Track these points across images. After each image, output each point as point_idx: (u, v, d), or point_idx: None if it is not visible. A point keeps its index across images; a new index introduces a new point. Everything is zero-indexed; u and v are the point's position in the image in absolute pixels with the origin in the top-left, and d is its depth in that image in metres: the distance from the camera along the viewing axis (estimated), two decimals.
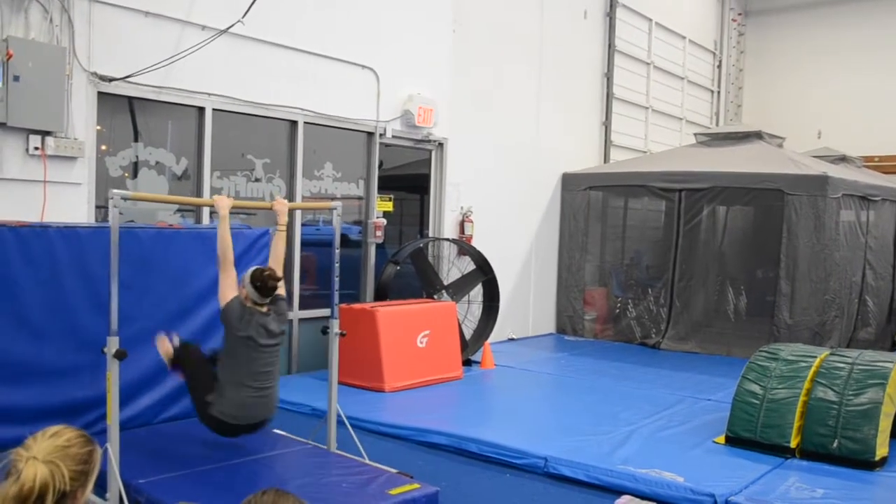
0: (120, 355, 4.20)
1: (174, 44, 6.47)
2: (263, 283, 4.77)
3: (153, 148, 6.64)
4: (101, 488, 4.22)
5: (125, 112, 6.48)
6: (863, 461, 5.22)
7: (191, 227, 6.52)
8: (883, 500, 4.79)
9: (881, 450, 5.29)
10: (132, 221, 6.19)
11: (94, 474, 2.05)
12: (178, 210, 6.91)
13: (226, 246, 4.82)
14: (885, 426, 5.36)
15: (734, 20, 15.73)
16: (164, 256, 5.88)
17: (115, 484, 4.16)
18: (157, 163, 6.68)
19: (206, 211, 6.99)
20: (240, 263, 6.38)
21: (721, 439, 5.77)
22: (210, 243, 6.19)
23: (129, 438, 5.04)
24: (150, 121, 6.66)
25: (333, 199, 7.64)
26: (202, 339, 6.17)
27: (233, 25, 6.75)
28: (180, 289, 6.01)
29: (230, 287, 4.80)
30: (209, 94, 6.83)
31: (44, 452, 1.97)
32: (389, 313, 7.35)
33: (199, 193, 6.89)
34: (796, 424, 5.48)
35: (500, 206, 10.05)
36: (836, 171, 9.84)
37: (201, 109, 6.85)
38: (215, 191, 7.03)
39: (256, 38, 7.09)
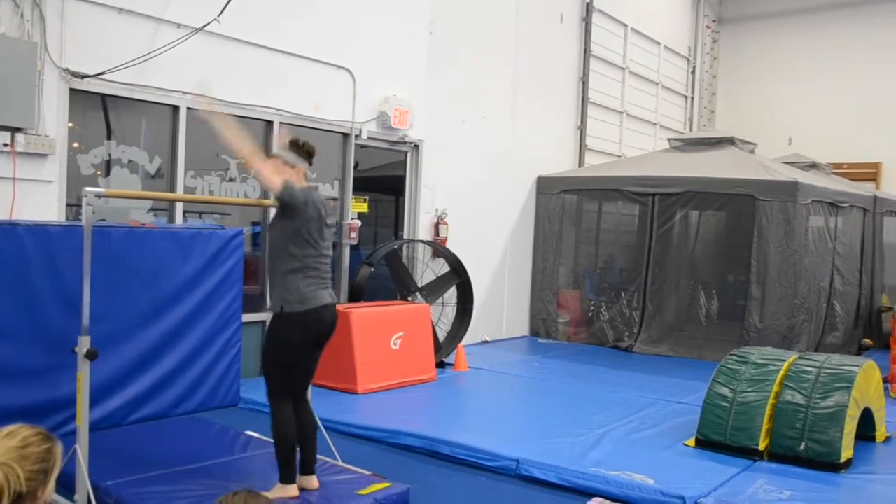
0: (91, 355, 4.16)
1: (148, 41, 6.43)
2: (306, 146, 4.43)
3: (126, 146, 6.58)
4: (69, 490, 4.18)
5: (98, 109, 6.42)
6: (829, 463, 5.30)
7: (164, 226, 6.48)
8: (846, 501, 4.87)
9: (846, 452, 5.38)
10: (104, 220, 6.13)
11: (54, 471, 2.02)
12: (151, 209, 6.85)
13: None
14: (850, 429, 5.44)
15: (708, 27, 15.89)
16: (137, 256, 5.84)
17: (84, 486, 4.12)
18: (130, 161, 6.62)
19: (179, 210, 6.95)
20: (213, 264, 6.39)
21: (691, 442, 5.83)
22: (182, 242, 6.17)
23: (99, 440, 4.99)
24: (123, 119, 6.60)
25: None
26: (176, 339, 6.15)
27: (208, 24, 6.72)
28: (153, 288, 5.97)
29: (277, 171, 4.24)
30: (184, 93, 6.78)
31: None
32: (363, 315, 7.35)
33: (172, 191, 6.85)
34: (765, 427, 5.56)
35: (475, 209, 10.07)
36: (806, 178, 9.98)
37: (175, 108, 6.81)
38: (189, 190, 6.99)
39: (232, 38, 7.06)
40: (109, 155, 6.48)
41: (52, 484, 2.02)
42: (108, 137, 6.49)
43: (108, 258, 5.50)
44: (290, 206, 4.18)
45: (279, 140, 4.59)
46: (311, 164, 4.48)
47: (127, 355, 5.83)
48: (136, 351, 5.89)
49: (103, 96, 6.34)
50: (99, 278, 5.02)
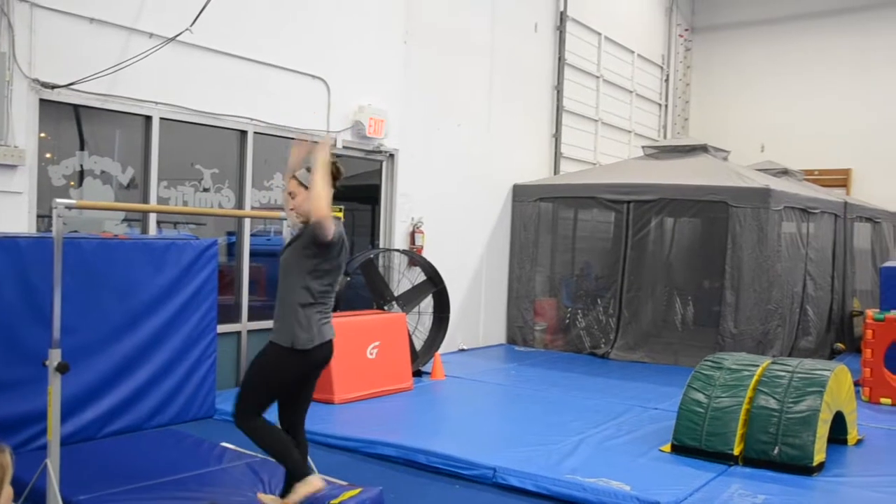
0: (62, 368, 4.11)
1: (120, 51, 6.38)
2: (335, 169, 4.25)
3: (98, 157, 6.53)
4: None
5: (70, 120, 6.36)
6: (802, 467, 5.35)
7: (137, 237, 6.42)
8: None
9: (819, 455, 5.44)
10: (76, 231, 6.07)
11: (6, 479, 2.00)
12: (125, 220, 6.80)
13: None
14: (822, 432, 5.50)
15: (681, 36, 16.05)
16: (109, 267, 5.79)
17: (55, 501, 4.06)
18: (103, 172, 6.57)
19: (152, 221, 6.90)
20: (187, 275, 6.35)
21: (667, 448, 5.86)
22: (156, 253, 6.12)
23: (71, 453, 4.93)
24: (95, 129, 6.55)
25: (283, 209, 7.59)
26: (150, 350, 6.10)
27: (181, 34, 6.69)
28: (126, 300, 5.93)
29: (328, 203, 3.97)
30: (156, 103, 6.74)
31: None
32: (339, 324, 7.22)
33: (145, 203, 6.80)
34: (739, 432, 5.60)
35: (451, 218, 10.08)
36: (778, 184, 10.09)
37: (148, 118, 6.77)
38: (162, 201, 6.94)
39: (205, 47, 7.03)
40: (81, 166, 6.43)
41: (5, 491, 2.00)
42: (81, 148, 6.44)
43: (80, 270, 5.45)
44: (327, 246, 4.06)
45: (295, 154, 4.51)
46: (335, 188, 4.27)
47: (100, 368, 5.77)
48: (109, 363, 5.83)
49: (75, 107, 6.29)
50: (71, 290, 4.99)
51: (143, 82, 6.58)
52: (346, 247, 4.23)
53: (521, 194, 11.23)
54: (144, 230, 6.87)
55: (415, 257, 9.10)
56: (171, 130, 6.96)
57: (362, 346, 7.47)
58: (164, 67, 6.70)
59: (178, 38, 6.69)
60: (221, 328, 7.09)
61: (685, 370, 7.43)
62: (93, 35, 6.23)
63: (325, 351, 4.23)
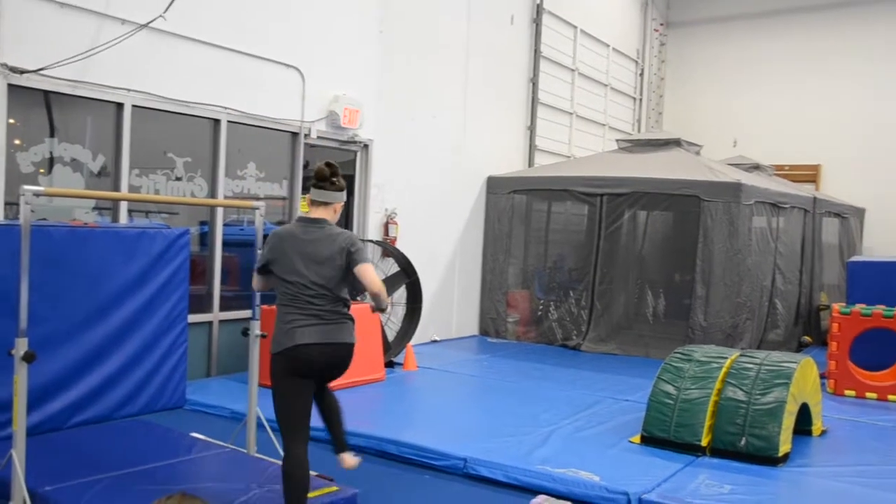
0: (28, 357, 4.07)
1: (92, 37, 6.31)
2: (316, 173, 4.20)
3: (69, 144, 6.45)
4: (4, 497, 4.10)
5: (40, 106, 6.28)
6: (768, 457, 5.44)
7: (107, 225, 6.36)
8: (784, 494, 5.00)
9: (784, 446, 5.53)
10: (45, 219, 6.00)
11: None
12: (95, 208, 6.73)
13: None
14: (788, 424, 5.60)
15: (656, 30, 16.14)
16: (79, 256, 5.73)
17: (20, 492, 4.03)
18: (73, 159, 6.49)
19: (123, 209, 6.83)
20: (158, 264, 6.30)
21: (637, 439, 5.92)
22: (126, 242, 6.07)
23: (39, 444, 4.90)
24: (66, 116, 6.47)
25: (257, 199, 7.56)
26: (120, 340, 6.05)
27: (153, 20, 6.62)
28: (96, 289, 5.88)
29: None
30: (128, 90, 6.67)
31: None
32: None
33: (116, 191, 6.73)
34: (707, 423, 5.67)
35: (425, 209, 10.09)
36: (749, 179, 10.20)
37: (120, 105, 6.69)
38: (134, 189, 6.87)
39: (178, 34, 6.96)
40: (51, 153, 6.35)
41: None
42: (51, 135, 6.36)
43: (49, 258, 5.39)
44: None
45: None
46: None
47: (68, 357, 5.73)
48: (78, 353, 5.79)
49: (45, 92, 6.20)
50: (39, 279, 4.92)
51: (115, 69, 6.51)
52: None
53: (495, 186, 11.26)
54: (115, 219, 6.80)
55: (388, 248, 9.10)
56: (144, 118, 6.89)
57: None
58: (136, 54, 6.63)
59: (150, 25, 6.62)
60: (193, 318, 7.05)
61: (656, 362, 7.49)
62: (63, 20, 6.14)
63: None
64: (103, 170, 6.73)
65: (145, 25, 6.59)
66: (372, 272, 4.11)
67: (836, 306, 8.25)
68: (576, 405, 7.06)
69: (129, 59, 6.58)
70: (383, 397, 7.20)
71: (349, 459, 4.43)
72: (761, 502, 4.73)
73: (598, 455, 5.53)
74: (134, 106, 6.76)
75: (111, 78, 6.51)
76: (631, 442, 5.90)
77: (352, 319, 4.23)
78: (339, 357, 4.16)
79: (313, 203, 4.15)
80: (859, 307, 8.08)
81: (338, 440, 4.43)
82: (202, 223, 7.70)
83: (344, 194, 4.24)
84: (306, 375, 4.07)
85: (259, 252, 4.37)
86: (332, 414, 4.40)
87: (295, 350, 3.99)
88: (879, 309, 7.96)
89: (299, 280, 4.02)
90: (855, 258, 10.23)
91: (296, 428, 4.03)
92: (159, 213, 7.31)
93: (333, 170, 4.17)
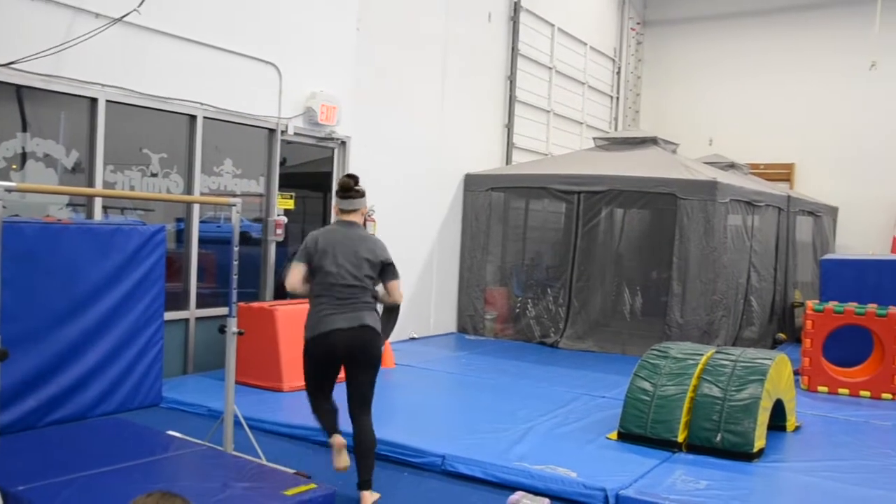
0: (1, 355, 4.01)
1: (65, 31, 6.23)
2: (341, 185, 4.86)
3: (42, 139, 6.37)
4: None
5: (11, 100, 6.19)
6: (743, 453, 5.49)
7: (81, 222, 6.29)
8: (759, 489, 5.04)
9: (759, 442, 5.58)
10: (17, 216, 5.92)
11: None
12: (69, 205, 6.65)
13: None
14: (763, 419, 5.65)
15: (633, 29, 16.22)
16: (52, 252, 5.67)
17: None
18: (47, 155, 6.41)
19: (98, 206, 6.76)
20: (134, 261, 6.25)
21: (614, 435, 5.96)
22: (101, 239, 6.01)
23: (11, 443, 4.83)
24: (39, 110, 6.38)
25: (233, 196, 7.51)
26: (95, 337, 5.99)
27: (128, 14, 6.55)
28: (70, 286, 5.82)
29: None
30: (103, 85, 6.60)
31: None
32: (289, 312, 7.27)
33: (90, 187, 6.66)
34: (683, 420, 5.72)
35: (403, 206, 10.07)
36: (724, 177, 10.28)
37: (94, 100, 6.61)
38: (108, 185, 6.80)
39: (154, 29, 6.90)
40: (24, 148, 6.26)
41: None
42: (24, 130, 6.27)
43: (22, 255, 5.33)
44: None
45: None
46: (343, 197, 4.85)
47: (42, 355, 5.66)
48: (51, 350, 5.73)
49: (17, 87, 6.11)
50: (12, 276, 4.87)
51: (89, 63, 6.44)
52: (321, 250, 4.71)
53: (472, 184, 11.27)
54: (89, 215, 6.73)
55: None
56: (118, 114, 6.82)
57: None
58: (111, 49, 6.56)
59: (125, 20, 6.55)
60: (169, 315, 7.00)
61: (633, 359, 7.54)
62: (35, 13, 6.07)
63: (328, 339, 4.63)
64: (77, 166, 6.65)
65: (119, 20, 6.52)
66: (399, 288, 4.91)
67: (810, 303, 8.34)
68: (553, 402, 7.09)
69: (103, 53, 6.51)
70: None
71: (367, 497, 4.60)
72: (736, 497, 4.77)
73: (576, 451, 5.56)
74: (108, 101, 6.68)
75: (85, 73, 6.44)
76: (608, 438, 5.93)
77: (376, 311, 4.81)
78: (362, 341, 4.65)
79: (343, 211, 4.80)
80: (832, 304, 8.18)
81: (361, 475, 4.63)
82: (178, 220, 7.64)
83: (366, 199, 4.88)
84: (331, 360, 4.68)
85: (297, 250, 4.79)
86: (363, 448, 4.64)
87: (324, 337, 4.58)
88: (852, 306, 8.06)
89: (338, 272, 4.61)
90: (828, 256, 10.35)
91: (317, 399, 4.83)
92: (135, 210, 7.24)
93: (355, 180, 4.80)
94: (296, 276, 4.72)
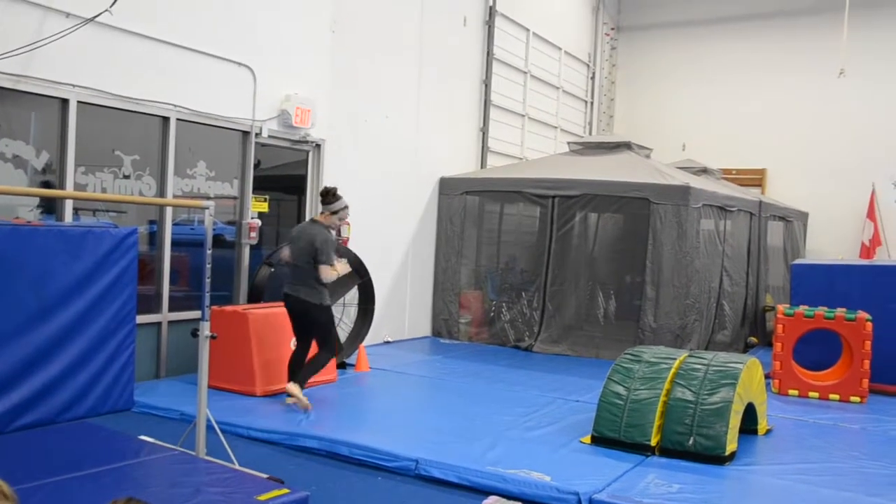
0: None
1: (35, 30, 6.15)
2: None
3: (11, 140, 6.28)
4: None
5: None
6: (715, 456, 5.54)
7: (51, 224, 6.21)
8: (730, 492, 5.09)
9: (731, 445, 5.63)
10: None
11: None
12: (39, 207, 6.57)
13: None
14: (734, 423, 5.70)
15: (607, 34, 16.32)
16: (21, 255, 5.60)
17: None
18: (16, 156, 6.32)
19: (69, 208, 6.68)
20: (105, 263, 6.17)
21: (587, 439, 5.98)
22: (72, 241, 5.93)
23: None
24: (8, 111, 6.30)
25: (207, 198, 7.46)
26: (65, 341, 5.92)
27: (100, 14, 6.49)
28: (39, 289, 5.74)
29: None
30: (74, 86, 6.53)
31: None
32: (262, 316, 7.23)
33: (62, 189, 6.57)
34: (656, 423, 5.75)
35: (377, 210, 10.05)
36: (697, 182, 10.38)
37: (65, 101, 6.54)
38: (80, 187, 6.72)
39: (126, 30, 6.84)
40: None
41: None
42: None
43: None
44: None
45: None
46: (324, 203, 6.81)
47: (10, 359, 5.57)
48: (20, 354, 5.64)
49: None
50: None
51: (60, 64, 6.36)
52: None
53: (447, 187, 11.27)
54: (60, 217, 6.64)
55: (340, 249, 9.03)
56: (90, 115, 6.74)
57: (286, 337, 7.39)
58: (82, 49, 6.49)
59: (97, 20, 6.49)
60: (141, 318, 6.94)
61: (607, 363, 7.57)
62: (4, 12, 5.99)
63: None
64: (48, 167, 6.57)
65: (91, 20, 6.45)
66: (327, 271, 6.55)
67: (781, 308, 8.44)
68: (527, 406, 7.11)
69: (74, 54, 6.44)
70: (335, 398, 7.16)
71: (291, 387, 6.53)
72: (708, 500, 4.81)
73: (549, 455, 5.57)
74: (80, 102, 6.61)
75: (56, 73, 6.36)
76: (581, 442, 5.96)
77: (318, 288, 6.62)
78: (300, 308, 6.69)
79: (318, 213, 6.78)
80: (802, 309, 8.28)
81: (293, 373, 6.73)
82: (151, 222, 7.57)
83: (333, 206, 6.72)
84: (291, 315, 6.83)
85: None
86: (307, 360, 6.79)
87: (285, 298, 6.80)
88: (821, 310, 8.17)
89: (292, 255, 6.76)
90: (799, 261, 10.47)
91: (296, 348, 6.96)
92: (107, 213, 7.16)
93: (327, 190, 6.80)
94: (283, 254, 6.97)
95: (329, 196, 6.71)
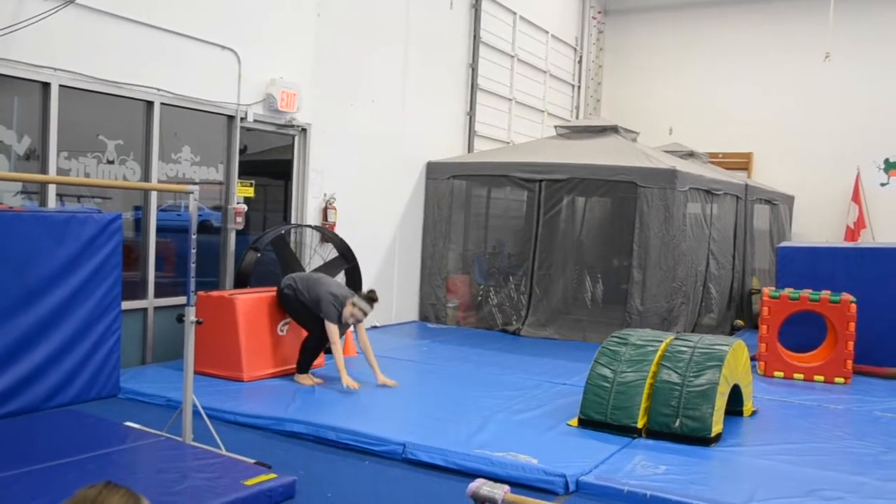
0: None
1: (12, 12, 6.07)
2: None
3: None
4: None
5: None
6: (701, 438, 5.57)
7: (34, 210, 6.16)
8: (716, 473, 5.12)
9: (716, 427, 5.67)
10: None
11: None
12: (22, 192, 6.50)
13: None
14: (720, 405, 5.74)
15: (594, 18, 16.28)
16: (4, 241, 5.54)
17: None
18: None
19: (52, 193, 6.62)
20: (89, 249, 6.13)
21: (574, 422, 6.00)
22: (55, 227, 5.89)
23: None
24: None
25: (192, 183, 7.40)
26: (49, 327, 5.88)
27: None
28: (22, 275, 5.70)
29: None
30: (55, 70, 6.45)
31: None
32: (249, 301, 7.21)
33: (44, 174, 6.51)
34: (643, 406, 5.78)
35: (364, 194, 10.02)
36: (684, 166, 10.39)
37: (46, 85, 6.46)
38: (63, 172, 6.65)
39: (108, 12, 6.76)
40: None
41: None
42: None
43: None
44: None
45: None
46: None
47: None
48: (4, 341, 5.61)
49: None
50: None
51: (41, 47, 6.28)
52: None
53: (434, 172, 11.24)
54: (43, 203, 6.59)
55: (327, 233, 9.02)
56: (72, 99, 6.67)
57: (273, 322, 7.38)
58: (63, 32, 6.41)
59: (78, 2, 6.40)
60: (127, 304, 6.90)
61: (594, 346, 7.60)
62: None
63: None
64: (31, 153, 6.50)
65: (71, 2, 6.37)
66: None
67: (767, 290, 8.48)
68: (515, 389, 7.12)
69: (55, 37, 6.36)
70: (322, 384, 7.15)
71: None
72: (694, 481, 4.84)
73: (537, 438, 5.59)
74: (61, 86, 6.53)
75: (36, 56, 6.29)
76: (569, 425, 5.98)
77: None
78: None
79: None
80: (788, 291, 8.32)
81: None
82: (136, 208, 7.52)
83: (363, 306, 7.07)
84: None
85: None
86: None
87: None
88: (806, 293, 8.22)
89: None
90: (784, 243, 10.53)
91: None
92: (92, 198, 7.11)
93: (375, 297, 7.24)
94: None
95: (373, 300, 7.06)
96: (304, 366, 7.15)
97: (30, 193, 6.56)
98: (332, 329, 6.96)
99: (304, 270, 8.47)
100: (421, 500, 4.64)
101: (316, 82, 9.09)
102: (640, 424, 5.74)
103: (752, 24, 14.98)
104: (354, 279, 8.88)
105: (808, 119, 14.42)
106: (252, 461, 4.74)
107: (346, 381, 6.78)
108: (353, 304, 6.92)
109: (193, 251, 5.04)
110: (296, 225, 8.98)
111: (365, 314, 6.99)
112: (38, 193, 6.60)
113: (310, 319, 7.17)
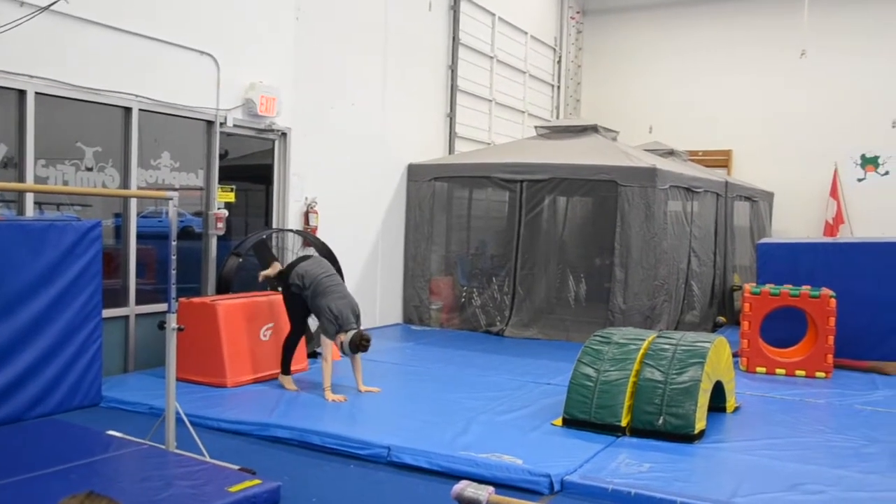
0: None
1: None
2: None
3: None
4: None
5: None
6: (684, 435, 5.61)
7: (12, 218, 6.11)
8: (700, 469, 5.16)
9: (699, 423, 5.70)
10: None
11: None
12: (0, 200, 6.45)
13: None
14: (703, 401, 5.77)
15: (573, 18, 16.33)
16: None
17: None
18: None
19: (30, 201, 6.56)
20: (69, 257, 6.09)
21: (558, 421, 6.02)
22: (33, 235, 5.84)
23: None
24: None
25: (172, 189, 7.37)
26: (29, 337, 5.83)
27: (55, 2, 6.35)
28: (1, 284, 5.65)
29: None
30: (31, 77, 6.40)
31: None
32: (231, 306, 7.18)
33: (22, 182, 6.45)
34: (626, 404, 5.81)
35: (346, 198, 10.00)
36: (664, 164, 10.44)
37: (22, 92, 6.41)
38: (40, 180, 6.60)
39: (84, 18, 6.71)
40: None
41: None
42: None
43: None
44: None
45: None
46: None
47: None
48: None
49: None
50: None
51: (16, 54, 6.23)
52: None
53: (415, 174, 11.24)
54: (21, 211, 6.53)
55: (309, 237, 9.00)
56: (49, 106, 6.62)
57: (255, 328, 7.36)
58: (39, 39, 6.36)
59: (52, 8, 6.36)
60: (108, 312, 6.86)
61: (577, 345, 7.60)
62: None
63: None
64: (8, 160, 6.44)
65: (46, 8, 6.31)
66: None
67: (748, 287, 8.54)
68: (498, 390, 7.14)
69: (30, 43, 6.31)
70: (306, 388, 7.13)
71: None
72: (678, 478, 4.87)
73: (521, 439, 5.61)
74: (38, 93, 6.48)
75: (11, 64, 6.23)
76: (553, 425, 6.00)
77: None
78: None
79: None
80: (769, 287, 8.39)
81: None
82: (117, 215, 7.47)
83: (353, 338, 6.91)
84: None
85: None
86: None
87: None
88: (787, 288, 8.28)
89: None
90: (764, 240, 10.60)
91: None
92: (72, 206, 7.05)
93: (368, 343, 7.00)
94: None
95: (365, 346, 6.90)
96: (287, 366, 7.16)
97: (7, 202, 6.50)
98: (327, 344, 6.90)
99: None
100: (406, 502, 4.65)
101: (295, 86, 9.07)
102: (624, 423, 5.77)
103: (729, 22, 15.08)
104: None
105: (786, 116, 14.53)
106: (236, 467, 4.72)
107: (330, 397, 6.68)
108: (349, 340, 6.87)
109: (174, 257, 5.02)
110: (277, 229, 8.96)
111: (347, 340, 6.94)
112: (15, 202, 6.54)
113: (298, 317, 7.18)
